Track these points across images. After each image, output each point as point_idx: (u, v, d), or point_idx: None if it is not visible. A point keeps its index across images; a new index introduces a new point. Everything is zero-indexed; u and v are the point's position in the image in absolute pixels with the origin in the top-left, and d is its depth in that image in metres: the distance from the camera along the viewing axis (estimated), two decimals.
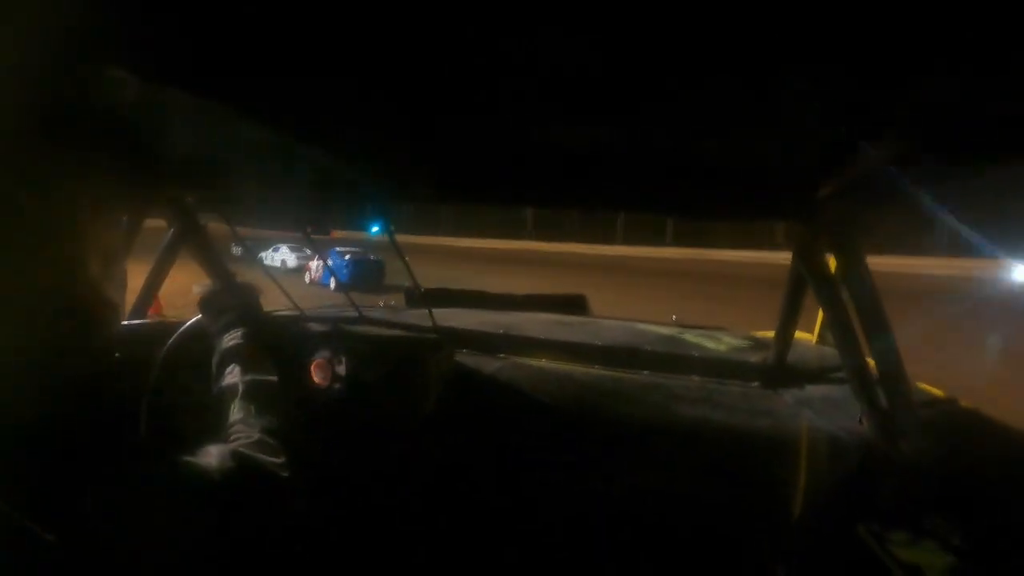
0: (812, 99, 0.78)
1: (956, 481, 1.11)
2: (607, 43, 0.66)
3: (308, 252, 19.11)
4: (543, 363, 1.74)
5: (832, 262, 1.37)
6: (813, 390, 1.55)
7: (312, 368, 1.59)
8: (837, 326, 1.36)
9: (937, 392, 1.52)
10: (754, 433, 1.44)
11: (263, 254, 18.85)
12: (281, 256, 21.88)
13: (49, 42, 0.77)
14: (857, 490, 1.27)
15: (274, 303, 1.88)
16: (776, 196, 1.26)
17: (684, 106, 0.84)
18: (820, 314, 1.77)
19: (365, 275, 16.48)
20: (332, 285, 15.50)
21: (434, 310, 1.89)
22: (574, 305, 2.37)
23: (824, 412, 1.43)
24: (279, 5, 0.64)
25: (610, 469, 1.46)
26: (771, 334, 1.66)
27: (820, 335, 1.91)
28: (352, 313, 1.97)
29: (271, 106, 1.01)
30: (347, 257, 17.47)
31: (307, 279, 17.56)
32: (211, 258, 1.79)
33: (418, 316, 1.96)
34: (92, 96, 0.96)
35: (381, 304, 2.43)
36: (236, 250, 2.99)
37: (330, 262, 14.26)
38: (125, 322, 1.65)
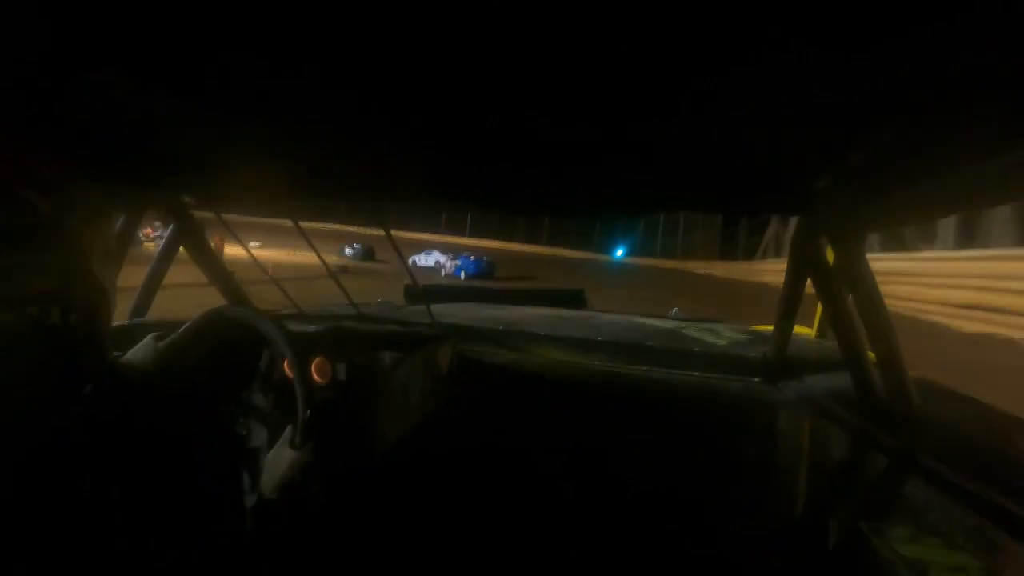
0: (808, 93, 0.76)
1: (957, 474, 1.07)
2: (608, 46, 0.66)
3: (448, 255, 26.31)
4: (543, 358, 1.72)
5: (831, 255, 1.34)
6: (813, 383, 1.51)
7: (312, 367, 1.60)
8: (836, 319, 1.33)
9: (937, 383, 1.46)
10: (755, 427, 1.42)
11: (415, 256, 27.78)
12: (434, 258, 27.47)
13: (49, 47, 0.80)
14: (859, 484, 1.25)
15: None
16: (774, 189, 1.23)
17: (684, 104, 0.83)
18: (819, 308, 1.72)
19: (486, 271, 24.37)
20: (462, 276, 23.67)
21: (433, 306, 1.89)
22: (573, 299, 2.35)
23: (824, 406, 1.40)
24: (276, 11, 0.65)
25: (612, 463, 1.45)
26: (771, 328, 1.62)
27: (819, 328, 1.85)
28: (351, 311, 1.98)
29: (267, 106, 1.02)
30: (471, 258, 25.29)
31: (442, 273, 24.79)
32: (208, 258, 1.81)
33: (417, 313, 1.96)
34: (91, 99, 0.99)
35: (379, 301, 2.44)
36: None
37: (459, 261, 24.77)
38: (127, 321, 1.68)
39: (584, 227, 48.30)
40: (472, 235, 50.66)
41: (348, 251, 27.41)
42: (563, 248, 47.50)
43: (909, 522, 1.07)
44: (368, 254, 28.01)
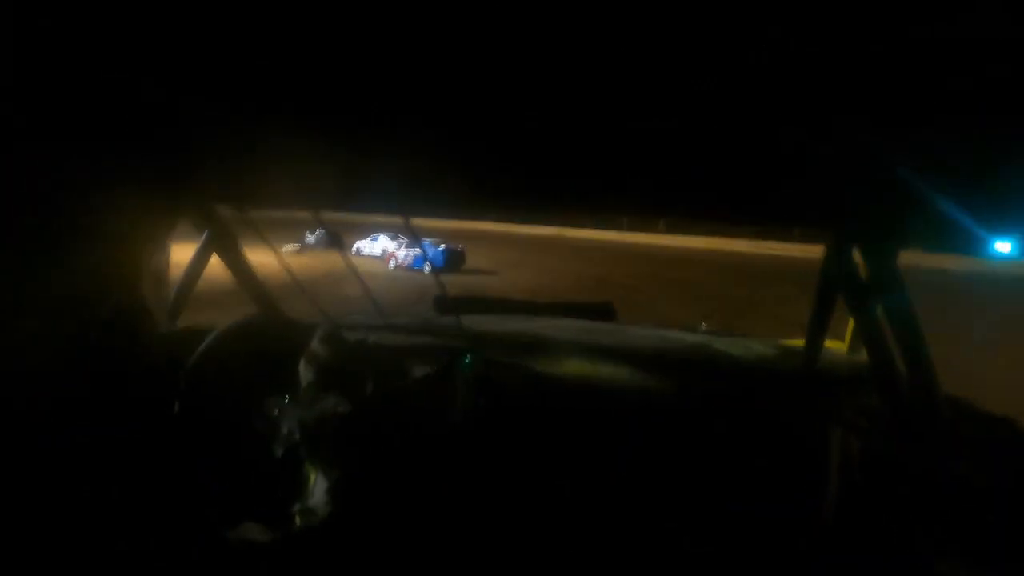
0: (840, 107, 0.79)
1: (987, 491, 1.14)
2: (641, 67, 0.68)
3: (399, 240, 21.01)
4: (572, 369, 1.74)
5: (863, 268, 1.39)
6: (844, 399, 1.56)
7: None
8: (868, 334, 1.38)
9: (971, 401, 1.53)
10: (784, 441, 1.45)
11: (361, 242, 22.53)
12: (381, 245, 22.71)
13: (86, 54, 0.77)
14: (887, 499, 1.28)
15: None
16: (805, 201, 1.26)
17: (720, 115, 0.85)
18: (851, 322, 1.80)
19: (452, 261, 19.68)
20: (427, 269, 18.23)
21: (462, 317, 1.88)
22: (601, 312, 2.38)
23: (854, 421, 1.45)
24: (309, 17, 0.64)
25: (641, 476, 1.47)
26: (801, 342, 1.68)
27: (851, 343, 1.93)
28: (380, 321, 1.95)
29: (299, 111, 1.01)
30: (440, 247, 20.03)
31: (391, 265, 19.94)
32: (241, 264, 1.76)
33: (445, 324, 1.95)
34: (128, 104, 0.95)
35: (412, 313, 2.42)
36: None
37: (417, 251, 18.82)
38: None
39: None
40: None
41: (309, 239, 23.15)
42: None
43: (937, 537, 1.12)
44: (332, 241, 25.01)
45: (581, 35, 0.66)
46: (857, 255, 1.43)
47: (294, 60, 0.79)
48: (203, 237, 1.66)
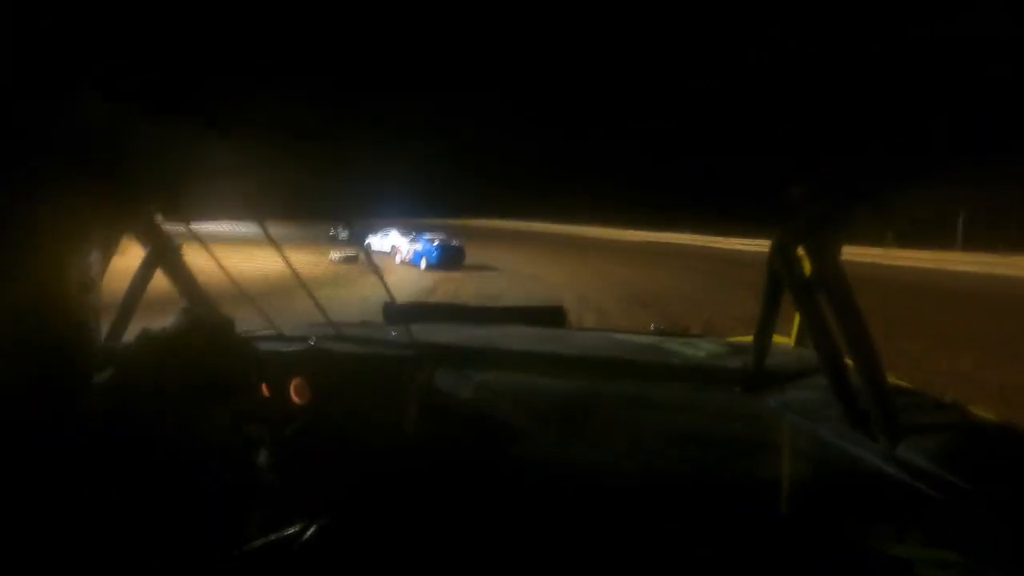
0: (783, 106, 0.78)
1: (937, 476, 1.13)
2: (599, 65, 0.66)
3: (409, 235, 20.73)
4: (523, 376, 1.73)
5: (807, 265, 1.38)
6: (794, 393, 1.56)
7: (291, 388, 1.58)
8: (814, 328, 1.38)
9: (918, 389, 1.53)
10: (737, 437, 1.45)
11: (371, 238, 21.76)
12: (391, 240, 22.24)
13: (25, 63, 0.76)
14: (840, 490, 1.28)
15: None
16: (750, 201, 1.26)
17: (667, 117, 0.84)
18: (797, 317, 1.78)
19: (449, 257, 18.83)
20: (422, 266, 18.27)
21: (412, 326, 1.88)
22: (552, 317, 2.38)
23: (805, 414, 1.45)
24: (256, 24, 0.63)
25: (595, 481, 1.47)
26: (750, 339, 1.67)
27: (798, 338, 1.93)
28: (330, 331, 1.96)
29: (243, 124, 1.00)
30: (435, 243, 19.30)
31: (397, 260, 19.76)
32: (186, 278, 1.76)
33: (396, 333, 1.95)
34: (67, 116, 0.94)
35: (361, 322, 2.42)
36: None
37: (419, 245, 19.09)
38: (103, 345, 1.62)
39: None
40: None
41: (343, 235, 22.37)
42: None
43: (891, 523, 1.11)
44: (355, 238, 24.25)
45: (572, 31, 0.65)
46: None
47: (243, 77, 0.78)
48: (146, 254, 1.67)
